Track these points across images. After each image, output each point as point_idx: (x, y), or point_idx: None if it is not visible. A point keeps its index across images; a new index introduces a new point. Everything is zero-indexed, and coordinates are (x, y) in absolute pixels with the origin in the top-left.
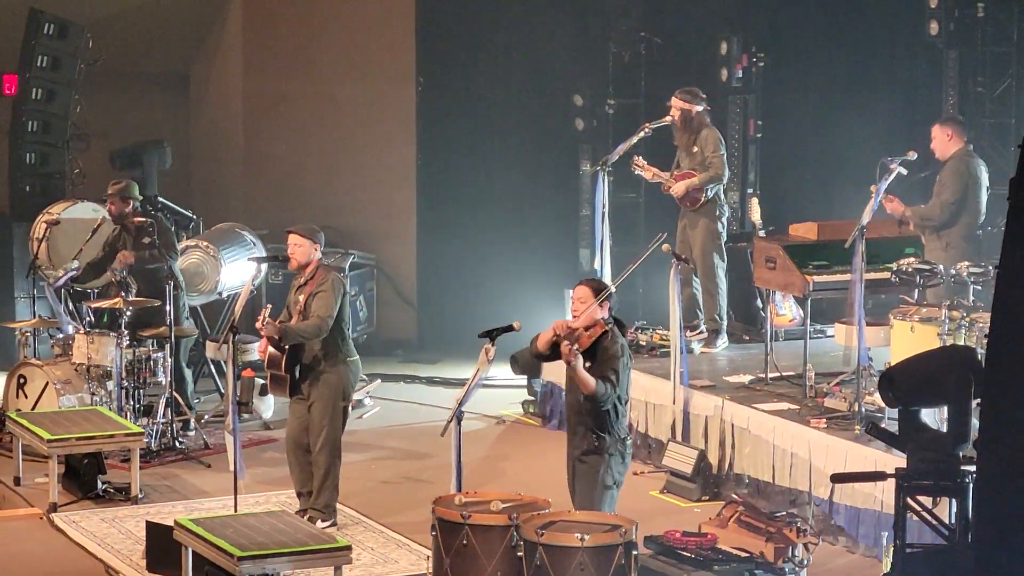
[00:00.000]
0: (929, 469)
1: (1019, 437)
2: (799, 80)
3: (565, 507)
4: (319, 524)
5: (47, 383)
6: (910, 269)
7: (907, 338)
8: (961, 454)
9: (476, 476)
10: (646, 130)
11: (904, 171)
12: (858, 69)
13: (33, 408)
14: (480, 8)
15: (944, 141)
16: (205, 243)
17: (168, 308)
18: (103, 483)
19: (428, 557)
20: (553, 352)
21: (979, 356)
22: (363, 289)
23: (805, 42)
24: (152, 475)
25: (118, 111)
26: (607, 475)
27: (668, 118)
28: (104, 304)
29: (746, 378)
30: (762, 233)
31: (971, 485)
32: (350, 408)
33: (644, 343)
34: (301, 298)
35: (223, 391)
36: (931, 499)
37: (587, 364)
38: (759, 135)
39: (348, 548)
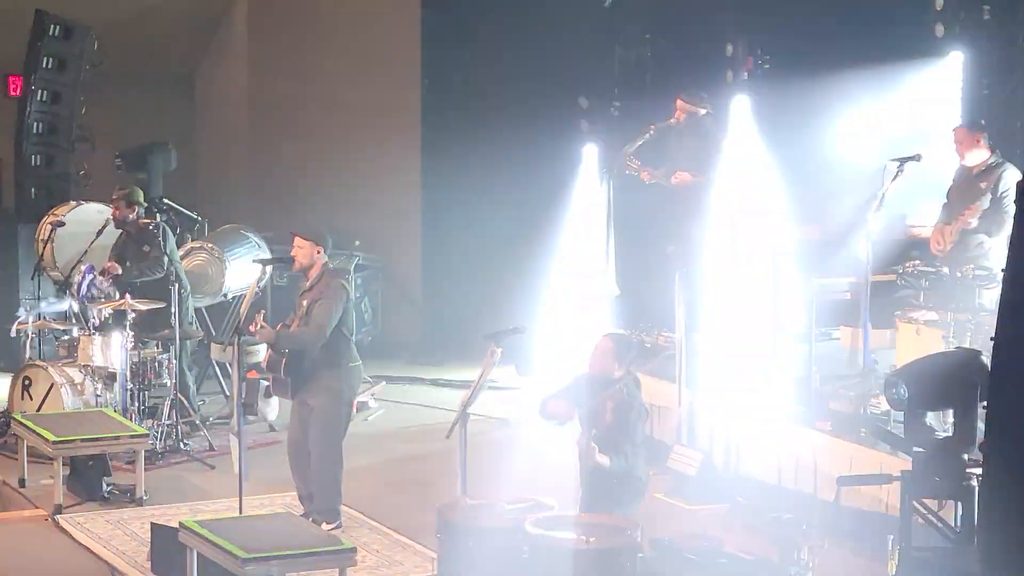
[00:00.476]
0: (935, 472)
1: None
2: (803, 82)
3: (570, 509)
4: (323, 527)
5: (52, 385)
6: (915, 271)
7: (913, 341)
8: (967, 457)
9: (482, 478)
10: (651, 132)
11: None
12: (863, 71)
13: (38, 410)
14: (486, 10)
15: (972, 145)
16: (210, 245)
17: (173, 310)
18: (108, 485)
19: (434, 559)
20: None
21: (985, 359)
22: (368, 291)
23: (810, 44)
24: (157, 477)
25: (123, 113)
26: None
27: (673, 120)
28: (110, 306)
29: (751, 380)
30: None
31: (977, 488)
32: (352, 412)
33: (649, 345)
34: (304, 303)
35: (228, 393)
36: (937, 502)
37: (610, 420)
38: (763, 137)
39: (353, 550)
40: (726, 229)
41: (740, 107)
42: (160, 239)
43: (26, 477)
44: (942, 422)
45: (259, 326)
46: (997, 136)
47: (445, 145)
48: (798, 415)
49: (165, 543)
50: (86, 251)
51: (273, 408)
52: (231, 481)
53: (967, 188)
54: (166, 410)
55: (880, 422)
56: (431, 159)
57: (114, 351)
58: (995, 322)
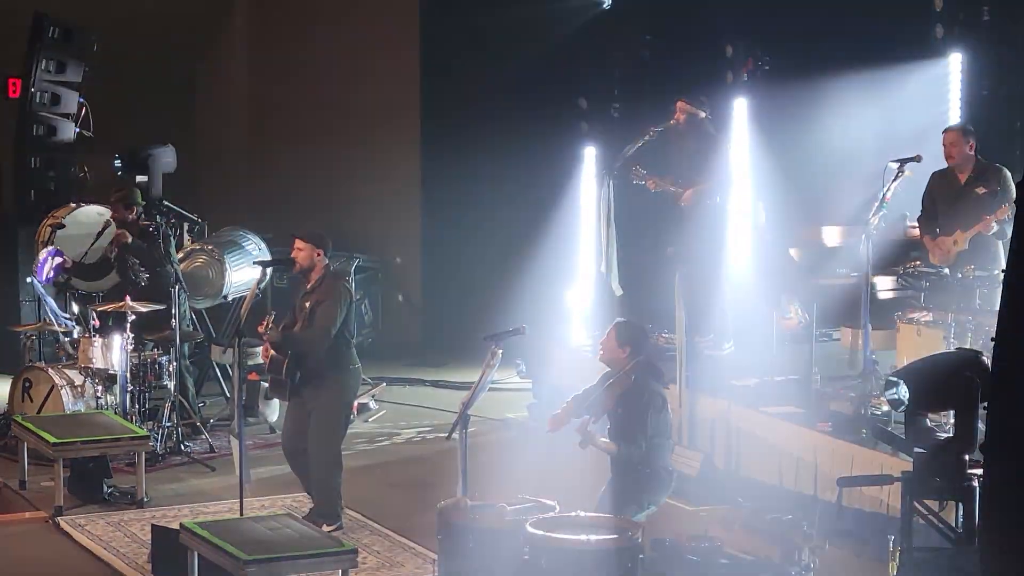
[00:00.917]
0: (936, 473)
1: None
2: (803, 83)
3: (571, 509)
4: (324, 528)
5: (52, 387)
6: (916, 272)
7: (913, 342)
8: (968, 458)
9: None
10: (651, 134)
11: (910, 173)
12: (863, 73)
13: (39, 412)
14: (485, 11)
15: (963, 148)
16: (210, 247)
17: (174, 312)
18: (109, 487)
19: (435, 561)
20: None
21: (985, 360)
22: (368, 292)
23: (810, 46)
24: (158, 479)
25: (123, 115)
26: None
27: (673, 122)
28: (109, 308)
29: (752, 381)
30: (767, 236)
31: (978, 489)
32: (351, 415)
33: None
34: (307, 305)
35: (228, 395)
36: (938, 503)
37: (619, 410)
38: (763, 138)
39: (354, 552)
40: (726, 229)
41: (740, 108)
42: (160, 240)
43: (27, 479)
44: (943, 423)
45: (268, 327)
46: (997, 137)
47: (445, 146)
48: (799, 416)
49: (166, 545)
50: (86, 253)
51: (273, 410)
52: (232, 483)
53: (961, 193)
54: (167, 412)
55: (881, 423)
56: (431, 160)
57: (114, 353)
58: (995, 323)
